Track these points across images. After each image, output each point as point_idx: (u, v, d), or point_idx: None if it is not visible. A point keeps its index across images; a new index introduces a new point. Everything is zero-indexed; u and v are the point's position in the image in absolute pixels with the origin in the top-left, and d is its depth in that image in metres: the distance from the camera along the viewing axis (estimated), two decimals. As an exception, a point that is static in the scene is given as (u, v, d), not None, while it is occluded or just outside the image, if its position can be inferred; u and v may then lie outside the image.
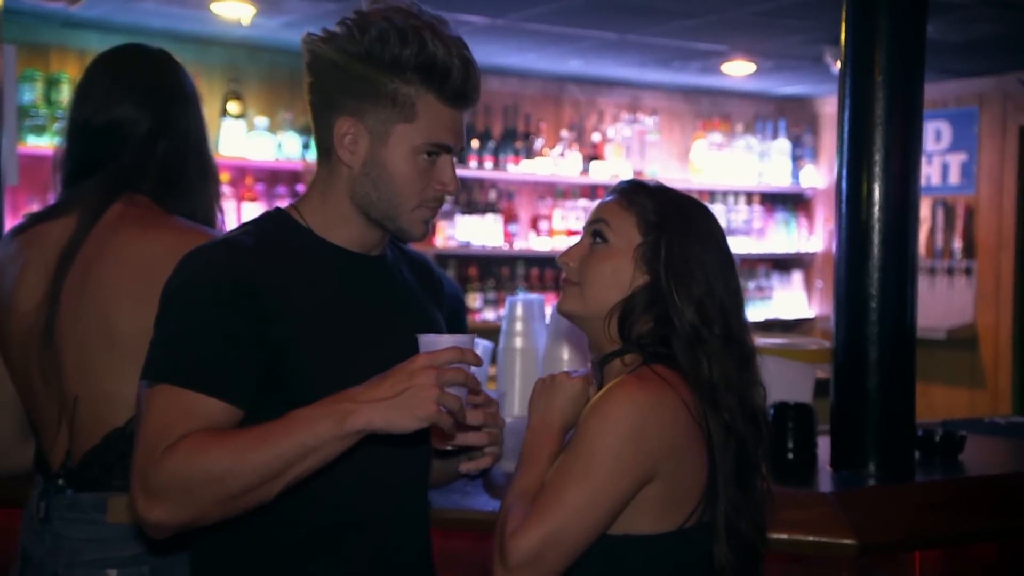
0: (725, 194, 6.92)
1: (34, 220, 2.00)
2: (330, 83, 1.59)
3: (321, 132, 1.62)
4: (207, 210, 2.03)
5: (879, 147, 2.35)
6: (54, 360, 1.89)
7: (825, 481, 2.31)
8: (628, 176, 6.42)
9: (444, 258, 5.99)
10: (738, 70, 6.11)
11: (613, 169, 6.45)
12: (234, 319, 1.50)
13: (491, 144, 6.12)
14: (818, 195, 7.20)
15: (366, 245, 1.66)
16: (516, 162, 6.19)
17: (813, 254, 7.23)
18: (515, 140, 6.22)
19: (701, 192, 6.69)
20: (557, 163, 6.31)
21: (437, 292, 1.84)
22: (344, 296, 1.62)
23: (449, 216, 5.98)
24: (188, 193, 2.01)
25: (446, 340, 1.50)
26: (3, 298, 1.97)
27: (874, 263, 2.35)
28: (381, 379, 1.43)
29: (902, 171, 2.36)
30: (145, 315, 1.60)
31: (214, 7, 4.66)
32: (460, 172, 6.47)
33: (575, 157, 6.37)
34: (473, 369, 2.90)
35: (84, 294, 1.88)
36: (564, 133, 6.47)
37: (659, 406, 1.52)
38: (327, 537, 1.59)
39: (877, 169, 2.35)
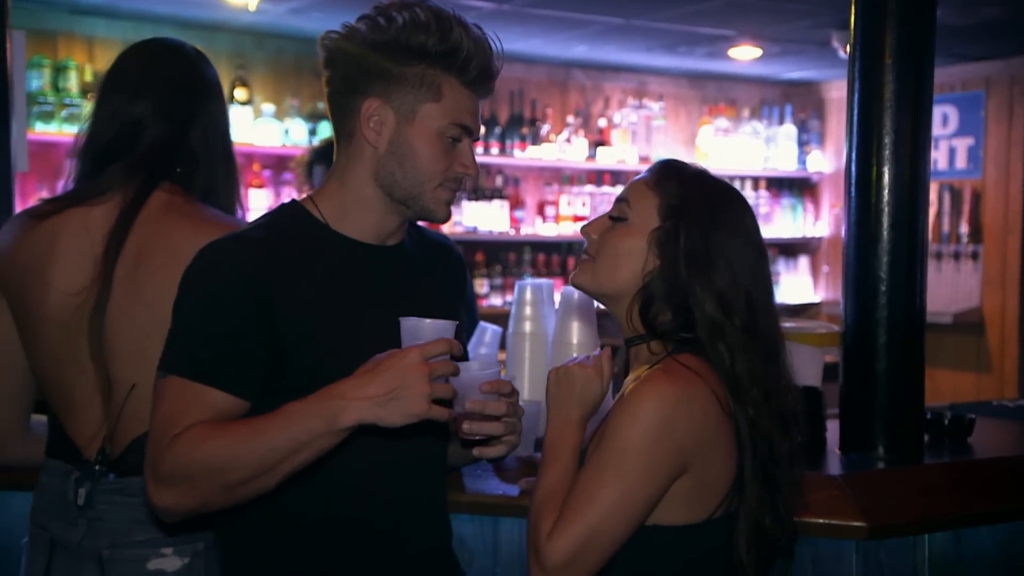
0: (731, 179, 6.87)
1: (61, 204, 1.99)
2: (353, 70, 1.61)
3: (343, 117, 1.64)
4: (230, 203, 2.06)
5: (888, 130, 2.35)
6: (103, 346, 1.90)
7: (834, 464, 2.32)
8: (634, 162, 6.43)
9: (451, 244, 5.98)
10: (744, 55, 6.09)
11: (619, 155, 6.44)
12: (243, 315, 1.54)
13: (497, 130, 6.12)
14: (824, 180, 7.19)
15: (382, 233, 1.68)
16: (522, 148, 6.18)
17: (819, 239, 7.23)
18: (521, 126, 6.21)
19: (707, 177, 6.67)
20: (563, 149, 6.30)
21: (457, 277, 1.86)
22: (354, 289, 1.64)
23: (456, 202, 5.96)
24: (214, 185, 2.04)
25: (428, 325, 1.51)
26: (37, 281, 1.96)
27: (883, 246, 2.35)
28: (372, 373, 1.44)
29: (912, 154, 2.36)
30: None
31: (220, -7, 4.67)
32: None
33: (581, 143, 6.36)
34: (483, 351, 2.87)
35: (138, 283, 1.90)
36: (570, 119, 6.46)
37: (687, 400, 1.51)
38: (339, 524, 1.61)
39: (887, 152, 2.35)
